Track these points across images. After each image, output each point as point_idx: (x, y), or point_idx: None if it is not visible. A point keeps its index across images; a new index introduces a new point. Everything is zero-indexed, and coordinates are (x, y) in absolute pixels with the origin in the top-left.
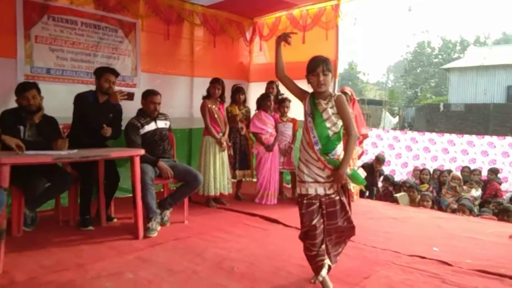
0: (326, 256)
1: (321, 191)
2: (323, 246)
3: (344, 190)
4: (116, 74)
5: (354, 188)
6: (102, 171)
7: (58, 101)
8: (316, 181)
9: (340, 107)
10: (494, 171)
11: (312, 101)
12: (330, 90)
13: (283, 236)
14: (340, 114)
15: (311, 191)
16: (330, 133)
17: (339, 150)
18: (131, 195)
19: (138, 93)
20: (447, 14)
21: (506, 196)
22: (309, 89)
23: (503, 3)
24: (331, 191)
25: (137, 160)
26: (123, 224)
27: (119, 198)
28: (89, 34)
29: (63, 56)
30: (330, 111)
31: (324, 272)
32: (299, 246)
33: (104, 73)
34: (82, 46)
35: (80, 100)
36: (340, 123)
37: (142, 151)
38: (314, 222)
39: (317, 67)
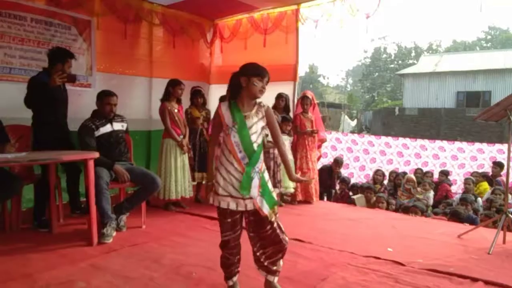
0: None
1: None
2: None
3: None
4: (71, 56)
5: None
6: (53, 175)
7: (5, 101)
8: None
9: (272, 117)
10: (444, 173)
11: (236, 111)
12: (290, 93)
13: (242, 239)
14: (270, 125)
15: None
16: (255, 145)
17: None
18: (84, 199)
19: (93, 94)
20: (402, 21)
21: (456, 197)
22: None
23: (453, 13)
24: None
25: (91, 164)
26: (76, 230)
27: None
28: (40, 31)
29: (11, 53)
30: (259, 122)
31: (235, 278)
32: None
33: (67, 58)
34: (32, 43)
35: (35, 81)
36: (263, 134)
37: (96, 154)
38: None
39: (265, 75)
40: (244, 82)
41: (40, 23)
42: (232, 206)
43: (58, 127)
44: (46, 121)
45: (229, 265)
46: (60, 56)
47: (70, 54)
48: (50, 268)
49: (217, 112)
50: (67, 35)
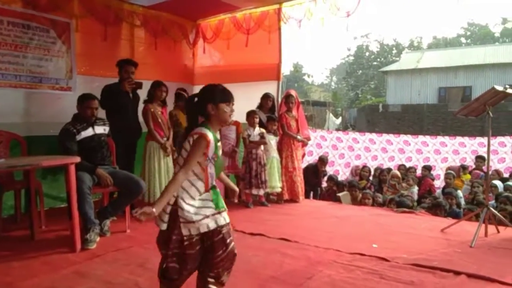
0: None
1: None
2: None
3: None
4: (134, 64)
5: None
6: (33, 179)
7: None
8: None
9: None
10: (427, 168)
11: (216, 141)
12: (274, 92)
13: None
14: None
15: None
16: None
17: None
18: (66, 205)
19: (73, 97)
20: (383, 19)
21: (438, 192)
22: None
23: (433, 9)
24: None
25: (72, 169)
26: (59, 236)
27: (54, 208)
28: (17, 34)
29: None
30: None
31: None
32: (245, 250)
33: (123, 65)
34: (9, 47)
35: (105, 88)
36: None
37: (77, 159)
38: None
39: (233, 99)
40: (212, 109)
41: (17, 26)
42: (212, 225)
43: (129, 132)
44: (118, 127)
45: None
46: (124, 63)
47: (125, 61)
48: (32, 276)
49: (205, 139)
50: (46, 38)
